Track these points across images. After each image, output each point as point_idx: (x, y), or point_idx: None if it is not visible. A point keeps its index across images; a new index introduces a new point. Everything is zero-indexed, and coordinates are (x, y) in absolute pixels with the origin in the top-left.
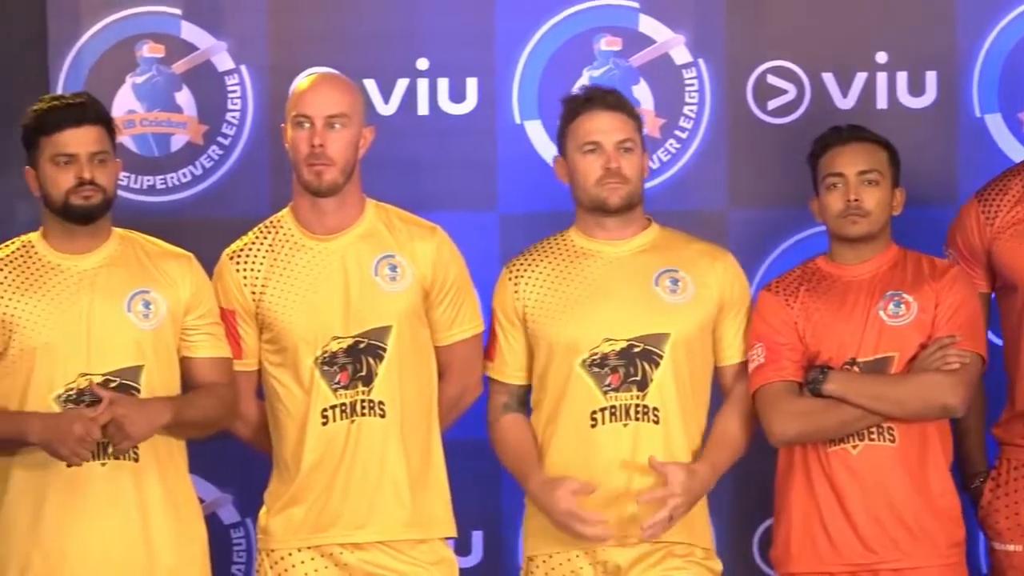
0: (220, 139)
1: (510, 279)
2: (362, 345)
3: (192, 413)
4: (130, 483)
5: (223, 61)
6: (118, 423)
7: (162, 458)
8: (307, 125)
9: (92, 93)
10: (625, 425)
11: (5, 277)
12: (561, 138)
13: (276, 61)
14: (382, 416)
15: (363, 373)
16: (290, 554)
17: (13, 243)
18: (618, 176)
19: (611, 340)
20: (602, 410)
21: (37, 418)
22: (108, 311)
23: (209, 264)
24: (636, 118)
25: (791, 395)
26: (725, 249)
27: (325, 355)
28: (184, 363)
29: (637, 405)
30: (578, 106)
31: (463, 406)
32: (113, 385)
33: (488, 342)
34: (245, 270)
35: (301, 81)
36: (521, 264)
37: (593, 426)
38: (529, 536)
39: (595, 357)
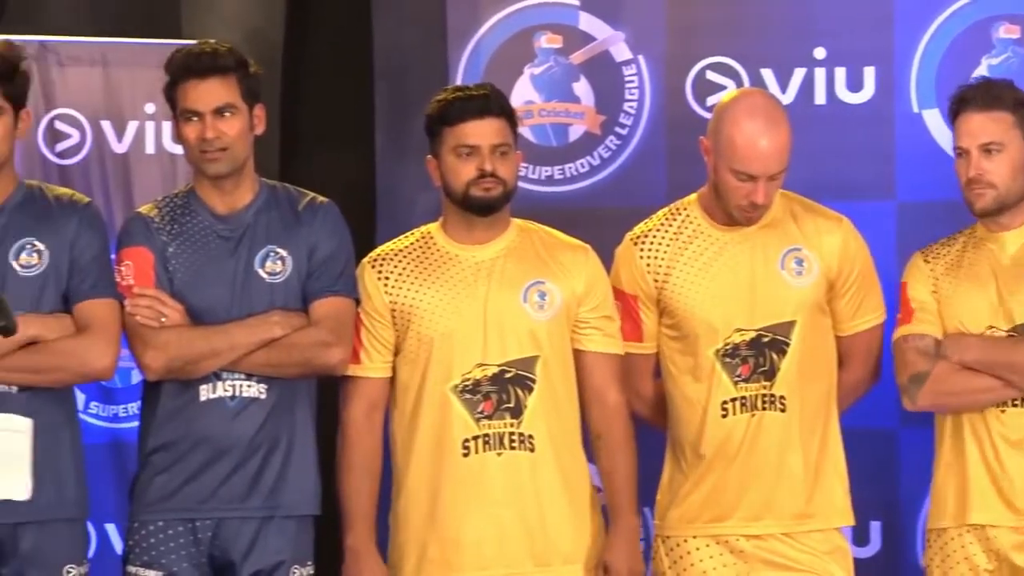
0: (618, 129)
1: (927, 264)
2: (766, 339)
3: (634, 480)
4: (526, 473)
5: (621, 51)
6: None
7: (559, 448)
8: (747, 180)
9: (489, 84)
10: (1002, 411)
11: (405, 268)
12: None
13: (673, 51)
14: (783, 411)
15: (765, 368)
16: (686, 541)
17: (413, 234)
18: (981, 183)
19: (993, 328)
20: None
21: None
22: (504, 302)
23: (606, 254)
24: (1014, 110)
25: None
26: None
27: (727, 347)
28: (576, 355)
29: None
30: (954, 105)
31: (859, 394)
32: (509, 376)
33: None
34: (649, 256)
35: (744, 127)
36: (935, 252)
37: (1003, 411)
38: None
39: None
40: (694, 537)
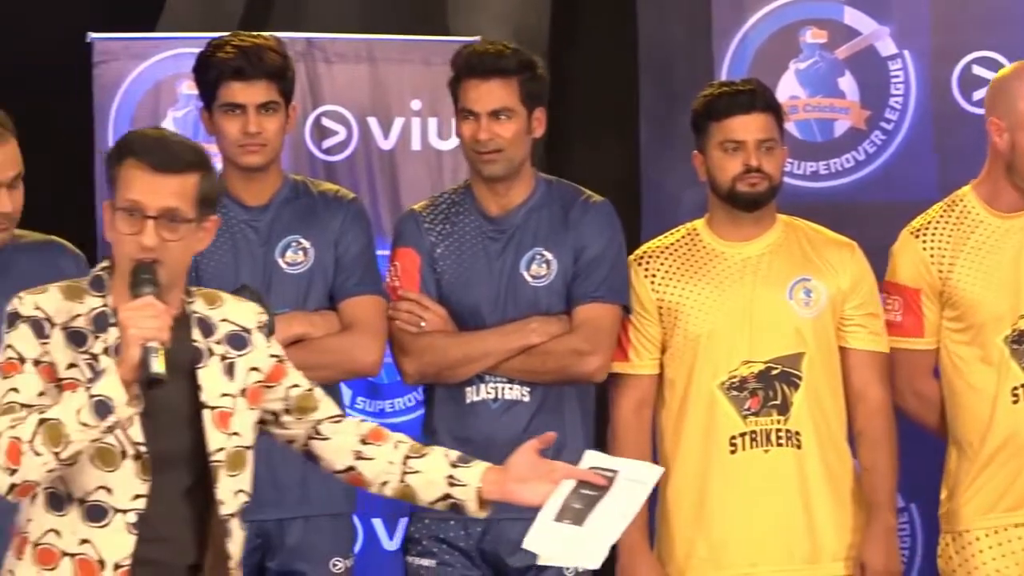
0: (883, 124)
1: None
2: None
3: (893, 478)
4: (792, 469)
5: (886, 46)
6: None
7: (824, 444)
8: None
9: (755, 79)
10: None
11: (671, 264)
12: None
13: (938, 45)
14: None
15: None
16: (977, 539)
17: (679, 230)
18: None
19: None
20: None
21: None
22: (770, 298)
23: (871, 249)
24: None
25: None
26: None
27: (1015, 333)
28: (841, 352)
29: None
30: None
31: None
32: (775, 372)
33: None
34: (932, 247)
35: None
36: None
37: None
38: None
39: None
40: (985, 535)
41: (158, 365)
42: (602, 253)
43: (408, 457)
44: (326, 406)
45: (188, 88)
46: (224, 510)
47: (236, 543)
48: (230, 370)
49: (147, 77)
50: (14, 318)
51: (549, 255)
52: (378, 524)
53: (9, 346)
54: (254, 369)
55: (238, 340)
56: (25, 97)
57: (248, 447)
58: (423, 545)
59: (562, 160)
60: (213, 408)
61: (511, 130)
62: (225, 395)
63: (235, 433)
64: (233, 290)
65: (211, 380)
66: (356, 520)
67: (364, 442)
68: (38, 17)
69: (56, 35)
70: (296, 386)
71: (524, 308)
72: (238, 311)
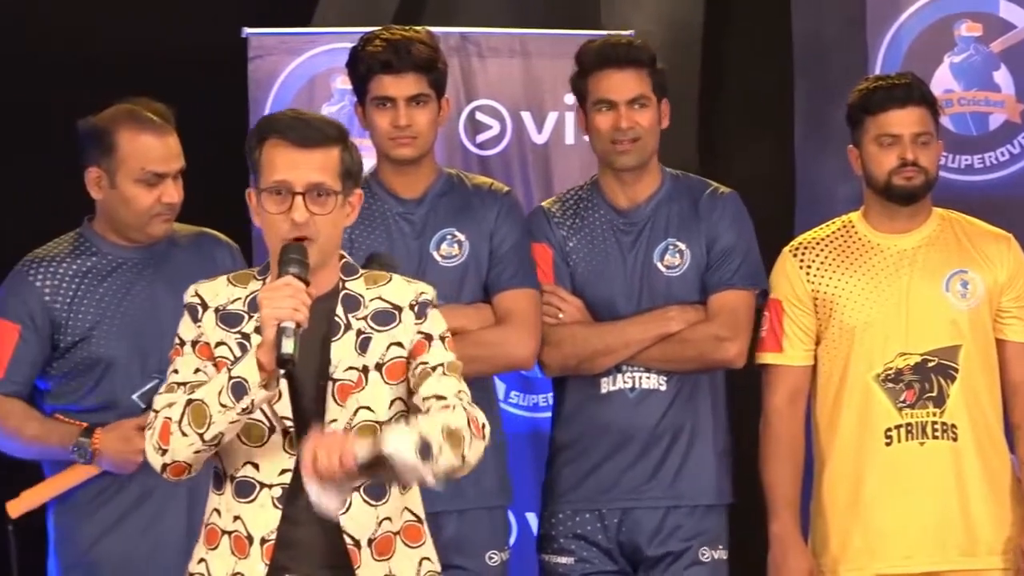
0: None
1: None
2: None
3: None
4: (948, 462)
5: None
6: None
7: (981, 437)
8: None
9: (911, 72)
10: None
11: (827, 256)
12: None
13: None
14: None
15: None
16: None
17: (834, 223)
18: None
19: None
20: None
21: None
22: (926, 290)
23: None
24: None
25: None
26: None
27: None
28: (997, 345)
29: None
30: None
31: None
32: (931, 365)
33: None
34: None
35: None
36: None
37: None
38: None
39: None
40: None
41: (289, 346)
42: (734, 243)
43: None
44: (429, 386)
45: (342, 83)
46: None
47: (356, 519)
48: (364, 345)
49: (302, 72)
50: (183, 308)
51: (682, 245)
52: (531, 518)
53: (177, 334)
54: (396, 344)
55: (385, 317)
56: (181, 92)
57: (382, 422)
58: (559, 543)
59: (716, 154)
60: (336, 381)
61: (648, 118)
62: (351, 368)
63: (365, 407)
64: (364, 261)
65: (341, 353)
66: (510, 514)
67: None
68: (194, 13)
69: (212, 31)
70: (424, 363)
71: (659, 298)
72: (398, 290)
